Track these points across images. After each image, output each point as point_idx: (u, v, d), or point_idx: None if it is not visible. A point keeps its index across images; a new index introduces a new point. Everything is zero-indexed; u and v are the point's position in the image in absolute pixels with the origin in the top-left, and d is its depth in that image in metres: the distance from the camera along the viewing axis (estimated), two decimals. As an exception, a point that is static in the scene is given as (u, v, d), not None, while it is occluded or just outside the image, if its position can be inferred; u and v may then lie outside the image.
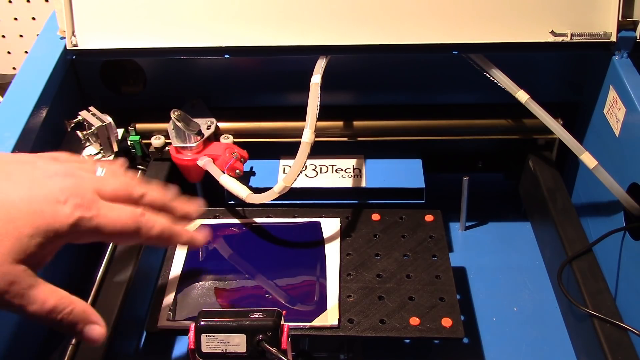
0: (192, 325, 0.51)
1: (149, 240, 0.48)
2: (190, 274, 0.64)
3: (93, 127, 0.69)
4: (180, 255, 0.66)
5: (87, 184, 0.46)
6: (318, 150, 0.66)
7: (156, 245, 0.51)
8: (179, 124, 0.70)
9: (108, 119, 0.70)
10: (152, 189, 0.51)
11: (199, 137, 0.72)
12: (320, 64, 0.68)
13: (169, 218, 0.50)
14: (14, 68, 1.25)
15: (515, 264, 0.77)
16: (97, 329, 0.45)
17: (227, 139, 0.75)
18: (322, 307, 0.60)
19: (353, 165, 0.77)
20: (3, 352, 0.57)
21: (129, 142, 0.75)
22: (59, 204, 0.43)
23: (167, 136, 0.75)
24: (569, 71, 0.77)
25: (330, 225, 0.69)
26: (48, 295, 0.43)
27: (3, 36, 1.21)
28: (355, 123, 0.77)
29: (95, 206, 0.45)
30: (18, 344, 0.59)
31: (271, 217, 0.71)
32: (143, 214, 0.48)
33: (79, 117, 0.70)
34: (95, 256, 0.65)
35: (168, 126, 0.74)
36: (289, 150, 0.69)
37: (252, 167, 0.77)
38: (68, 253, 0.70)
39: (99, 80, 0.77)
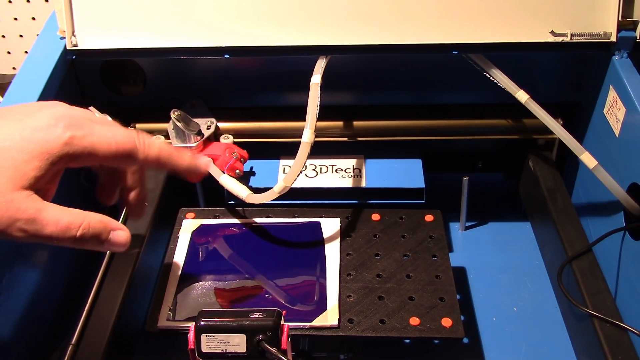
0: (192, 325, 0.51)
1: (147, 161, 0.47)
2: (190, 274, 0.64)
3: (93, 127, 0.69)
4: (180, 256, 0.66)
5: (79, 112, 0.47)
6: (318, 150, 0.66)
7: (157, 168, 0.50)
8: (179, 124, 0.70)
9: (108, 119, 0.70)
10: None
11: (199, 137, 0.72)
12: (320, 64, 0.68)
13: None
14: (14, 68, 1.25)
15: (515, 264, 0.77)
16: (121, 234, 0.46)
17: (227, 139, 0.75)
18: (322, 307, 0.60)
19: (353, 165, 0.77)
20: (4, 351, 0.57)
21: (129, 142, 0.75)
22: (50, 127, 0.43)
23: (167, 136, 0.75)
24: (569, 71, 0.77)
25: (330, 225, 0.69)
26: (60, 215, 0.43)
27: (3, 36, 1.21)
28: (355, 123, 0.77)
29: (87, 126, 0.45)
30: (18, 343, 0.59)
31: (271, 217, 0.71)
32: (139, 132, 0.47)
33: (79, 117, 0.70)
34: (95, 256, 0.65)
35: (168, 126, 0.74)
36: (289, 150, 0.69)
37: (252, 167, 0.77)
38: (68, 253, 0.71)
39: (99, 80, 0.77)
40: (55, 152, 0.43)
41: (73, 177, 0.75)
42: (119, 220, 0.63)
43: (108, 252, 0.64)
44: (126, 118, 0.76)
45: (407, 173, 0.76)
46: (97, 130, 0.45)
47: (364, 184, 0.75)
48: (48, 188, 0.45)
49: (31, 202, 0.42)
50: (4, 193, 0.41)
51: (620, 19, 0.67)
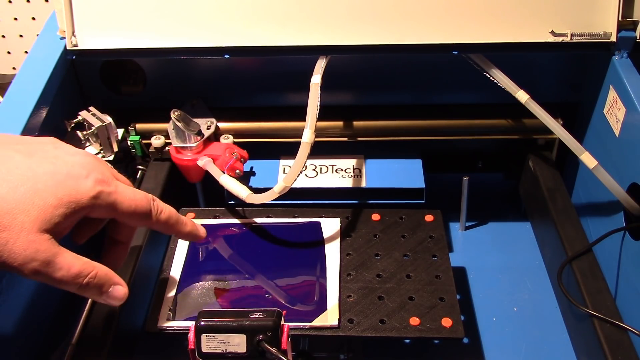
0: (192, 326, 0.51)
1: (157, 223, 0.52)
2: (190, 274, 0.64)
3: (93, 127, 0.69)
4: (180, 256, 0.66)
5: (105, 165, 0.50)
6: (318, 150, 0.66)
7: (162, 230, 0.54)
8: (179, 124, 0.70)
9: (108, 119, 0.70)
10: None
11: (199, 137, 0.72)
12: (320, 64, 0.68)
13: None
14: (14, 68, 1.25)
15: (515, 264, 0.77)
16: (120, 289, 0.49)
17: (227, 139, 0.75)
18: (322, 307, 0.60)
19: (353, 165, 0.77)
20: (4, 351, 0.57)
21: (129, 142, 0.75)
22: (80, 178, 0.46)
23: (167, 136, 0.75)
24: (569, 71, 0.77)
25: (330, 225, 0.69)
26: (72, 262, 0.46)
27: (3, 36, 1.21)
28: (355, 123, 0.77)
29: (114, 183, 0.49)
30: (18, 343, 0.59)
31: (271, 217, 0.71)
32: (154, 198, 0.52)
33: (79, 117, 0.70)
34: (95, 256, 0.65)
35: (168, 126, 0.74)
36: (289, 150, 0.69)
37: (252, 167, 0.77)
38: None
39: (99, 80, 0.77)
40: (83, 204, 0.46)
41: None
42: None
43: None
44: (126, 118, 0.76)
45: (407, 173, 0.76)
46: (120, 188, 0.49)
47: (364, 184, 0.75)
48: (64, 233, 0.47)
49: (49, 246, 0.44)
50: (28, 232, 0.43)
51: (620, 19, 0.67)
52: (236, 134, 0.76)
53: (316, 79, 0.66)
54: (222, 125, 0.76)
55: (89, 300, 0.60)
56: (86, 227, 0.52)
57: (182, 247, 0.67)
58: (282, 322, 0.51)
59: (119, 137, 0.72)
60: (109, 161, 0.71)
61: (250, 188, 0.69)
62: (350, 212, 0.71)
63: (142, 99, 0.79)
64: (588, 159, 0.65)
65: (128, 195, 0.49)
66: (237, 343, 0.50)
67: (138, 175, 0.75)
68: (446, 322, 0.59)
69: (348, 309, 0.60)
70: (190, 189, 0.78)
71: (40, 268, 0.44)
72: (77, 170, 0.47)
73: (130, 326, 0.63)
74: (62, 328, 0.65)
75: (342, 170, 0.76)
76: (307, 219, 0.70)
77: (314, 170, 0.76)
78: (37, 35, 0.73)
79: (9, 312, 0.58)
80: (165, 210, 0.53)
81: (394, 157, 0.77)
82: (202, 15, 0.69)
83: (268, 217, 0.71)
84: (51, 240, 0.44)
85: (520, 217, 0.83)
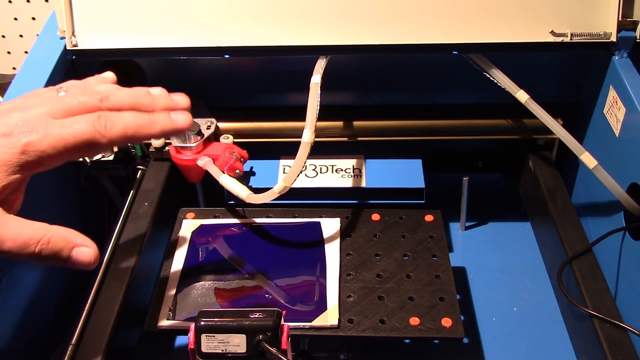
0: (192, 325, 0.51)
1: (112, 142, 0.45)
2: (190, 274, 0.64)
3: (93, 127, 0.69)
4: (180, 255, 0.66)
5: (36, 111, 0.44)
6: (318, 150, 0.66)
7: (128, 143, 0.48)
8: (179, 124, 0.70)
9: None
10: (115, 89, 0.48)
11: (199, 137, 0.72)
12: (320, 64, 0.68)
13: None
14: (14, 68, 1.25)
15: (515, 264, 0.77)
16: (85, 251, 0.43)
17: (227, 139, 0.75)
18: (322, 307, 0.60)
19: (353, 165, 0.77)
20: (4, 351, 0.57)
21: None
22: (3, 137, 0.42)
23: (167, 136, 0.75)
24: (569, 71, 0.77)
25: (330, 225, 0.69)
26: (20, 230, 0.42)
27: (3, 36, 1.21)
28: (355, 123, 0.77)
29: (42, 127, 0.43)
30: (18, 343, 0.59)
31: (271, 217, 0.71)
32: (99, 115, 0.44)
33: (79, 117, 0.70)
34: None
35: (168, 126, 0.74)
36: (289, 150, 0.69)
37: (252, 167, 0.77)
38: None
39: (99, 80, 0.77)
40: (13, 162, 0.42)
41: (72, 177, 0.75)
42: (116, 225, 0.62)
43: (107, 252, 0.64)
44: (126, 118, 0.75)
45: (407, 173, 0.76)
46: (52, 129, 0.43)
47: (364, 184, 0.75)
48: (13, 199, 0.43)
49: None
50: None
51: (620, 19, 0.67)
52: (236, 134, 0.76)
53: (316, 79, 0.66)
54: (222, 125, 0.76)
55: (89, 300, 0.60)
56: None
57: (182, 247, 0.67)
58: (282, 322, 0.51)
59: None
60: (108, 161, 0.71)
61: (250, 188, 0.69)
62: (350, 212, 0.71)
63: (142, 99, 0.79)
64: (588, 159, 0.65)
65: (63, 132, 0.43)
66: (237, 343, 0.50)
67: (138, 175, 0.75)
68: (446, 322, 0.59)
69: (348, 309, 0.60)
70: (190, 189, 0.78)
71: None
72: (0, 130, 0.42)
73: (130, 326, 0.63)
74: (62, 328, 0.65)
75: (342, 170, 0.76)
76: (307, 219, 0.70)
77: (314, 170, 0.76)
78: (37, 35, 0.73)
79: (9, 312, 0.58)
80: (117, 122, 0.45)
81: (394, 157, 0.77)
82: (202, 15, 0.69)
83: (268, 217, 0.71)
84: None
85: (520, 217, 0.83)
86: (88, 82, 0.50)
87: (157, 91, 0.49)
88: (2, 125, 0.42)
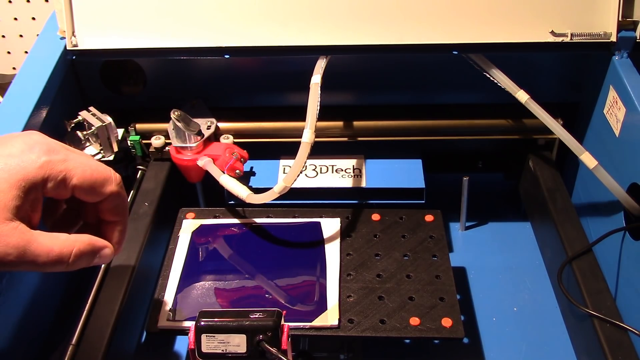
0: (192, 325, 0.51)
1: (119, 189, 0.48)
2: (190, 274, 0.64)
3: (93, 127, 0.69)
4: (180, 256, 0.66)
5: (54, 140, 0.46)
6: (318, 150, 0.66)
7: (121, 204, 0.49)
8: (179, 124, 0.70)
9: (108, 119, 0.70)
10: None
11: (199, 137, 0.72)
12: (320, 64, 0.68)
13: None
14: (14, 68, 1.25)
15: (515, 264, 0.77)
16: (107, 251, 0.47)
17: (227, 139, 0.75)
18: (322, 307, 0.60)
19: (353, 165, 0.77)
20: (4, 351, 0.57)
21: (129, 142, 0.75)
22: (24, 153, 0.43)
23: (167, 136, 0.75)
24: (569, 71, 0.77)
25: (330, 225, 0.69)
26: (50, 245, 0.43)
27: (3, 36, 1.21)
28: (355, 123, 0.77)
29: (63, 152, 0.45)
30: (18, 343, 0.59)
31: (271, 217, 0.71)
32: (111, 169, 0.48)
33: (79, 117, 0.70)
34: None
35: (168, 126, 0.74)
36: (289, 150, 0.69)
37: (252, 167, 0.77)
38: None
39: (99, 80, 0.77)
40: (31, 177, 0.43)
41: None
42: None
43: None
44: (126, 118, 0.76)
45: (407, 173, 0.76)
46: (72, 156, 0.45)
47: (364, 184, 0.75)
48: (32, 216, 0.44)
49: (20, 234, 0.42)
50: None
51: (620, 19, 0.67)
52: (236, 134, 0.76)
53: (316, 79, 0.66)
54: (222, 125, 0.76)
55: (89, 300, 0.60)
56: (54, 207, 0.49)
57: (182, 247, 0.67)
58: (282, 322, 0.51)
59: (119, 137, 0.73)
60: (109, 161, 0.71)
61: (250, 188, 0.69)
62: (350, 212, 0.71)
63: (142, 99, 0.79)
64: (588, 159, 0.65)
65: (81, 161, 0.45)
66: (237, 343, 0.50)
67: (138, 175, 0.75)
68: (446, 322, 0.59)
69: (348, 309, 0.60)
70: (190, 189, 0.78)
71: (18, 259, 0.42)
72: (19, 147, 0.43)
73: (130, 326, 0.63)
74: (62, 328, 0.65)
75: (342, 170, 0.76)
76: (307, 219, 0.70)
77: (314, 170, 0.76)
78: (37, 35, 0.73)
79: (9, 312, 0.58)
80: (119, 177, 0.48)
81: (394, 157, 0.77)
82: (202, 15, 0.69)
83: (268, 217, 0.71)
84: (20, 228, 0.42)
85: (520, 217, 0.83)
86: None
87: None
88: (21, 143, 0.44)
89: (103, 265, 0.63)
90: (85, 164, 0.46)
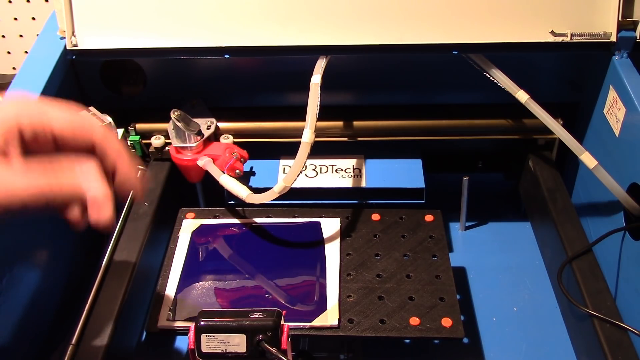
0: (192, 325, 0.51)
1: (106, 142, 0.45)
2: (190, 274, 0.64)
3: (93, 127, 0.69)
4: (180, 256, 0.66)
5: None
6: (318, 150, 0.66)
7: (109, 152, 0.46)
8: (179, 124, 0.70)
9: (108, 119, 0.70)
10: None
11: (199, 137, 0.72)
12: (320, 64, 0.68)
13: None
14: (14, 68, 1.25)
15: (515, 264, 0.77)
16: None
17: (227, 139, 0.75)
18: (322, 307, 0.60)
19: (353, 165, 0.77)
20: (4, 351, 0.57)
21: (129, 142, 0.75)
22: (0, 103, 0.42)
23: (167, 136, 0.75)
24: (569, 71, 0.77)
25: (330, 225, 0.69)
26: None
27: (3, 36, 1.21)
28: (355, 123, 0.77)
29: (41, 103, 0.44)
30: (18, 343, 0.59)
31: (271, 217, 0.71)
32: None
33: (79, 117, 0.70)
34: (94, 256, 0.65)
35: (168, 126, 0.74)
36: (289, 150, 0.69)
37: (252, 167, 0.77)
38: (68, 253, 0.70)
39: (99, 80, 0.77)
40: (9, 117, 0.41)
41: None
42: (117, 225, 0.62)
43: (107, 252, 0.64)
44: (126, 118, 0.76)
45: (407, 173, 0.76)
46: (51, 106, 0.43)
47: (364, 184, 0.75)
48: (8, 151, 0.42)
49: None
50: None
51: (620, 19, 0.67)
52: (236, 134, 0.76)
53: (316, 79, 0.66)
54: (222, 125, 0.76)
55: (89, 300, 0.60)
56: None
57: (182, 247, 0.67)
58: (282, 322, 0.51)
59: (119, 137, 0.72)
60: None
61: (250, 188, 0.69)
62: (350, 212, 0.71)
63: (142, 99, 0.79)
64: (588, 159, 0.65)
65: (60, 108, 0.43)
66: (237, 343, 0.50)
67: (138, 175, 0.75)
68: (446, 322, 0.59)
69: (348, 309, 0.60)
70: (190, 189, 0.78)
71: None
72: None
73: (130, 326, 0.63)
74: (62, 328, 0.65)
75: (342, 170, 0.76)
76: (307, 219, 0.70)
77: (314, 170, 0.76)
78: (37, 35, 0.73)
79: (9, 312, 0.58)
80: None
81: (394, 157, 0.77)
82: (202, 15, 0.69)
83: (268, 217, 0.71)
84: None
85: (520, 217, 0.83)
86: None
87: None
88: None
89: (103, 266, 0.63)
90: (65, 111, 0.43)
